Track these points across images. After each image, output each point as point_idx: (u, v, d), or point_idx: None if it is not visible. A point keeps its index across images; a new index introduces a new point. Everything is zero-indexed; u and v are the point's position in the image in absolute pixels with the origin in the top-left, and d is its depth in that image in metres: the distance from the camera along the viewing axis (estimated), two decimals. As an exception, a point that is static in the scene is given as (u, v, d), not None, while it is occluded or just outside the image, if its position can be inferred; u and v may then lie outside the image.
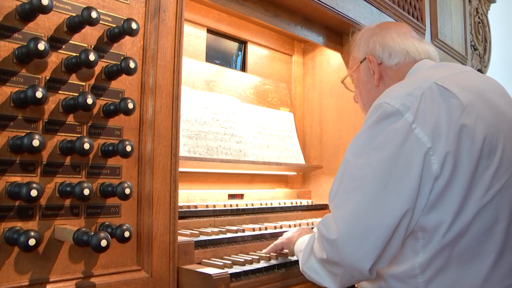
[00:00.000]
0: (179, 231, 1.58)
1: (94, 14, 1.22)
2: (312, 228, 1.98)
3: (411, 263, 1.29)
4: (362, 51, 1.67)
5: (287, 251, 1.79)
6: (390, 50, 1.58)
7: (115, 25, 1.37)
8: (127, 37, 1.38)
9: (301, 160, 2.61)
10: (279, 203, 2.34)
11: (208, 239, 1.70)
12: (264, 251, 1.77)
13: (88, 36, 1.33)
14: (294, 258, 1.77)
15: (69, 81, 1.28)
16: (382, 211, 1.22)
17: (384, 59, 1.59)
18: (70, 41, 1.29)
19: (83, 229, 1.17)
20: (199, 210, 1.91)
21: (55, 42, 1.26)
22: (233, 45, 2.52)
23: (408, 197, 1.21)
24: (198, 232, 1.76)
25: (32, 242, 1.07)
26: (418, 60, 1.56)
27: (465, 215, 1.23)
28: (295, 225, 2.14)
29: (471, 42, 4.15)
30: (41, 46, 1.11)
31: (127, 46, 1.42)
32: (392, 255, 1.26)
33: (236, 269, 1.54)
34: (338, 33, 2.68)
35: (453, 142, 1.23)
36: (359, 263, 1.22)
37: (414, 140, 1.22)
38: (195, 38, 2.27)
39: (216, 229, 1.83)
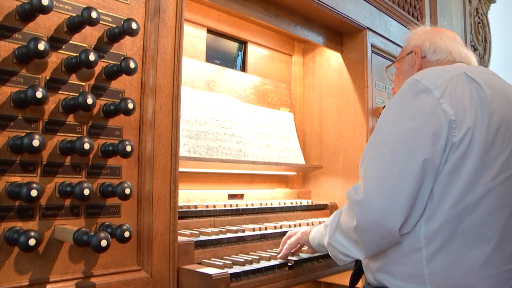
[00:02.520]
0: (179, 231, 1.58)
1: (94, 14, 1.22)
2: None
3: (416, 234, 1.34)
4: (412, 44, 1.78)
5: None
6: (435, 47, 1.70)
7: (115, 25, 1.37)
8: (127, 37, 1.38)
9: (301, 160, 2.61)
10: (279, 203, 2.34)
11: (208, 239, 1.70)
12: (279, 256, 1.76)
13: (88, 36, 1.33)
14: (294, 258, 1.77)
15: (69, 81, 1.28)
16: (410, 171, 1.29)
17: (428, 54, 1.71)
18: (70, 41, 1.29)
19: (83, 229, 1.17)
20: (199, 210, 1.91)
21: (55, 42, 1.26)
22: (233, 45, 2.52)
23: (432, 152, 1.30)
24: (198, 232, 1.76)
25: (32, 242, 1.07)
26: (458, 61, 1.67)
27: (475, 192, 1.30)
28: (295, 225, 2.14)
29: (471, 42, 4.15)
30: (41, 46, 1.11)
31: (127, 46, 1.42)
32: (416, 219, 1.33)
33: (236, 269, 1.54)
34: (338, 33, 2.67)
35: (473, 121, 1.33)
36: (390, 221, 1.29)
37: (441, 111, 1.33)
38: (195, 38, 2.27)
39: (216, 229, 1.83)
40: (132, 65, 1.31)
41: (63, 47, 1.28)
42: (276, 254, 1.78)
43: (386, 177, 1.31)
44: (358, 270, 1.68)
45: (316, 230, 1.73)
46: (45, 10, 1.14)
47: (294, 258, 1.77)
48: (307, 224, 2.22)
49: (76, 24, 1.26)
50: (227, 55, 2.48)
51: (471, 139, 1.31)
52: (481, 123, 1.33)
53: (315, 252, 1.82)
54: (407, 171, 1.29)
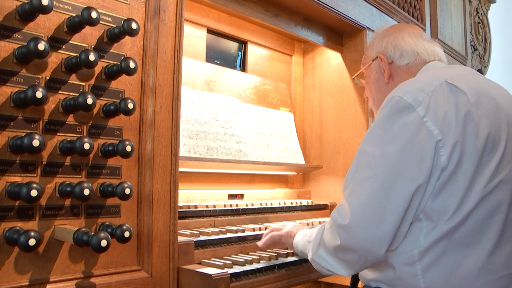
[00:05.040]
0: (179, 231, 1.58)
1: (94, 14, 1.22)
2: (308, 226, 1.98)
3: (411, 250, 1.33)
4: (375, 50, 1.74)
5: (285, 251, 1.79)
6: (401, 51, 1.65)
7: (115, 25, 1.37)
8: (127, 37, 1.38)
9: (301, 160, 2.61)
10: (279, 203, 2.33)
11: (208, 239, 1.70)
12: (259, 243, 1.75)
13: (88, 36, 1.33)
14: (294, 258, 1.77)
15: (69, 81, 1.28)
16: (395, 196, 1.27)
17: (395, 58, 1.67)
18: (70, 41, 1.29)
19: (83, 229, 1.17)
20: (199, 210, 1.91)
21: (55, 42, 1.26)
22: (233, 45, 2.52)
23: (418, 176, 1.28)
24: (198, 232, 1.76)
25: (32, 242, 1.07)
26: (428, 61, 1.63)
27: (467, 204, 1.29)
28: (295, 225, 2.14)
29: (471, 42, 4.15)
30: (41, 46, 1.11)
31: (127, 46, 1.42)
32: (401, 238, 1.32)
33: (236, 269, 1.54)
34: (338, 33, 2.67)
35: (460, 134, 1.30)
36: (375, 247, 1.28)
37: (426, 131, 1.30)
38: (195, 38, 2.27)
39: (216, 229, 1.82)
40: (132, 65, 1.31)
41: (63, 47, 1.28)
42: (276, 254, 1.78)
43: (371, 203, 1.29)
44: (357, 275, 1.68)
45: (301, 237, 1.70)
46: (45, 10, 1.14)
47: (294, 258, 1.77)
48: (307, 224, 2.22)
49: (76, 24, 1.26)
50: (227, 55, 2.48)
51: (460, 153, 1.29)
52: (470, 135, 1.31)
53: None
54: (392, 199, 1.27)
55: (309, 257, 1.53)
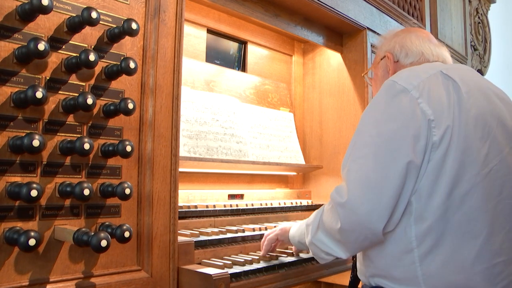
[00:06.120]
0: (179, 231, 1.58)
1: (94, 14, 1.22)
2: None
3: (407, 236, 1.35)
4: (383, 49, 1.79)
5: (286, 251, 1.79)
6: (407, 50, 1.70)
7: (115, 25, 1.37)
8: (127, 37, 1.38)
9: (301, 160, 2.61)
10: (279, 203, 2.34)
11: (208, 239, 1.70)
12: (261, 254, 1.76)
13: (88, 36, 1.33)
14: (293, 258, 1.77)
15: (69, 81, 1.28)
16: (392, 172, 1.30)
17: (401, 58, 1.71)
18: (70, 41, 1.29)
19: (83, 229, 1.17)
20: (199, 210, 1.91)
21: (55, 42, 1.26)
22: (233, 45, 2.52)
23: (414, 152, 1.31)
24: (198, 232, 1.76)
25: (32, 242, 1.07)
26: (432, 61, 1.66)
27: (459, 189, 1.32)
28: (295, 225, 2.14)
29: (471, 42, 4.15)
30: (41, 46, 1.11)
31: (127, 46, 1.42)
32: (398, 218, 1.35)
33: (236, 269, 1.54)
34: (338, 33, 2.67)
35: (452, 119, 1.34)
36: (374, 222, 1.30)
37: (420, 111, 1.34)
38: (195, 38, 2.27)
39: (216, 229, 1.83)
40: (132, 65, 1.31)
41: (63, 47, 1.28)
42: (275, 254, 1.78)
43: (369, 179, 1.32)
44: (356, 276, 1.68)
45: (297, 229, 1.73)
46: (45, 10, 1.14)
47: (294, 258, 1.77)
48: (307, 224, 2.22)
49: (76, 24, 1.26)
50: (227, 55, 2.48)
51: (451, 137, 1.33)
52: (460, 120, 1.35)
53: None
54: (389, 173, 1.30)
55: (307, 241, 1.55)
